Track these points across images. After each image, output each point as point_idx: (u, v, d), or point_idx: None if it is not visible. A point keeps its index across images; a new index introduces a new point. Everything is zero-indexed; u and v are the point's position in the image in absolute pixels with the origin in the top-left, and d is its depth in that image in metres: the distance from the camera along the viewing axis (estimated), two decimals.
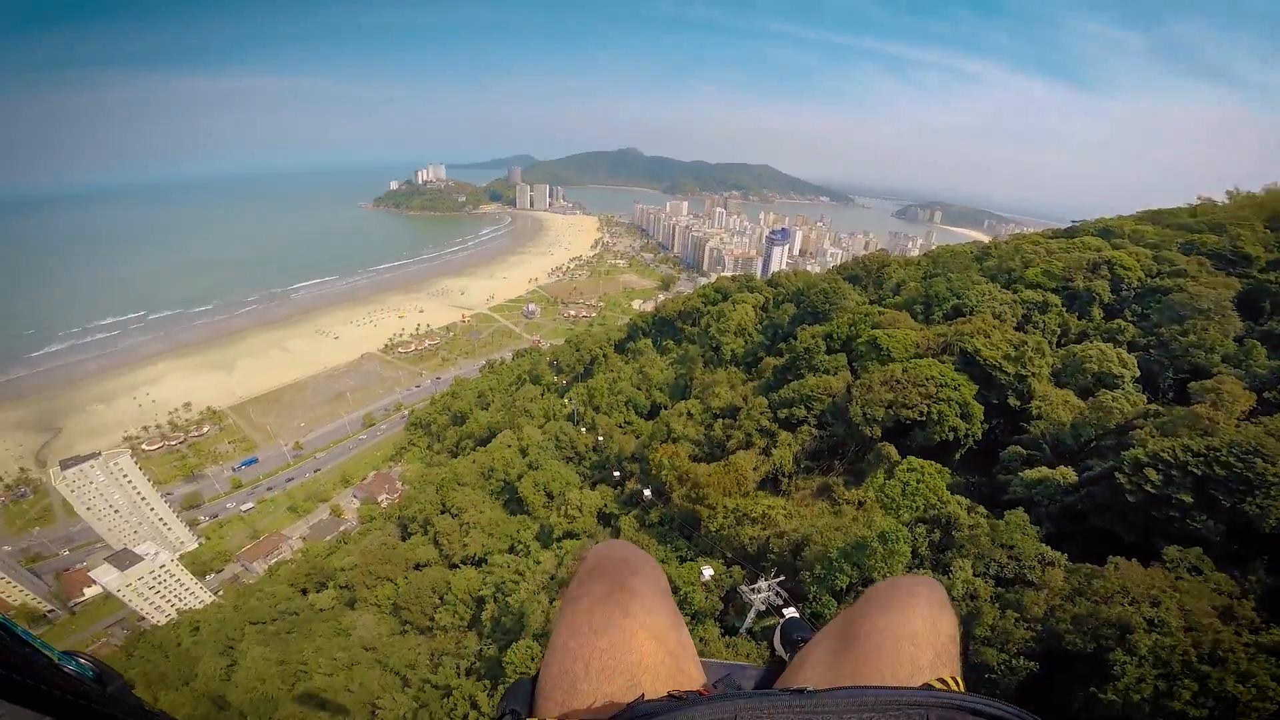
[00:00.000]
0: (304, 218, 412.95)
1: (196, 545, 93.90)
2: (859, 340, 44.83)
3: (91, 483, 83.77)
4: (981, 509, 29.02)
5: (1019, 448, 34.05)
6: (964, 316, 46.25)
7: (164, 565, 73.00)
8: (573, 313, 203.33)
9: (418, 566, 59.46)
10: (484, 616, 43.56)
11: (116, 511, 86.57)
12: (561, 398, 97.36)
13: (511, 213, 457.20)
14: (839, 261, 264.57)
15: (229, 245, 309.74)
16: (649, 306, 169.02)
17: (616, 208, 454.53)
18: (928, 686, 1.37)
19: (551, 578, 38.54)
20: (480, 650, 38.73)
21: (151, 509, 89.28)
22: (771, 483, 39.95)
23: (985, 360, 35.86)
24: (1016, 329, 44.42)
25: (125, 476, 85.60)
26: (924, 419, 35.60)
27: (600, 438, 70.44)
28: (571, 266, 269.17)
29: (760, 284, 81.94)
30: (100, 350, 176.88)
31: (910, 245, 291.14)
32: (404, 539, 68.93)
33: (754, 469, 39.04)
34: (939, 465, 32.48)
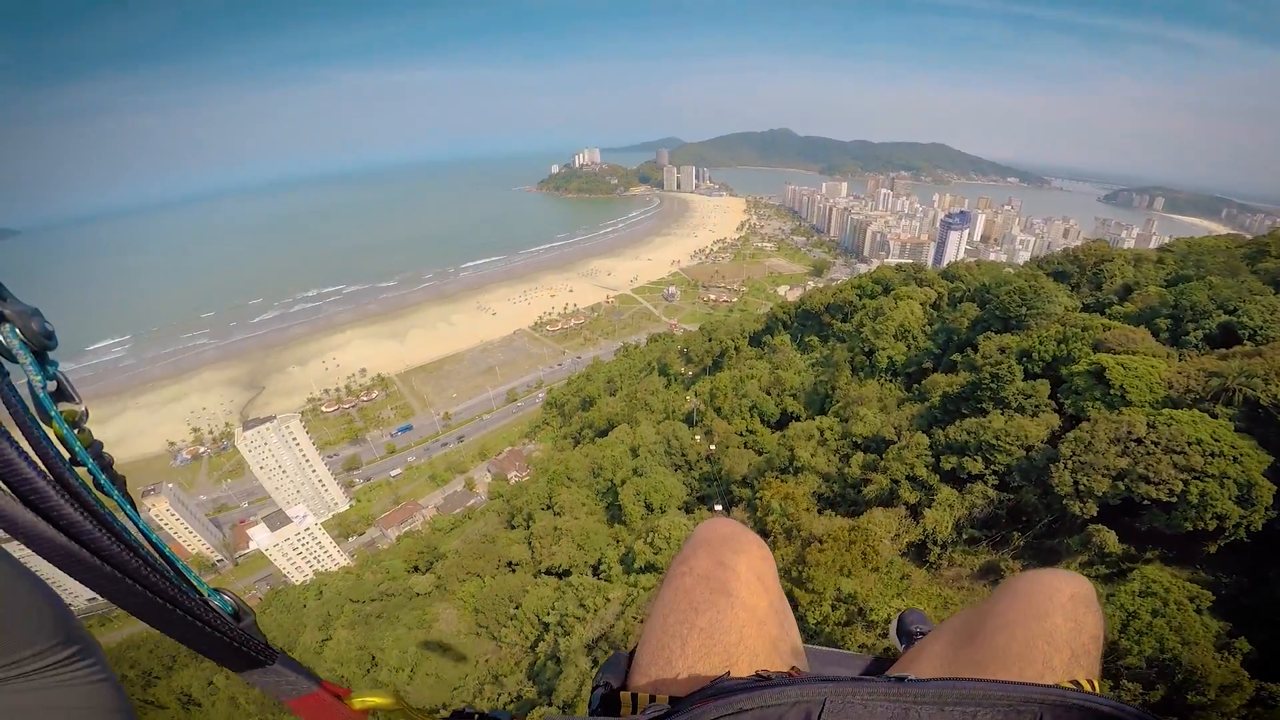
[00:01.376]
0: (473, 201, 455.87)
1: (348, 506, 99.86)
2: (1075, 367, 33.86)
3: (266, 444, 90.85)
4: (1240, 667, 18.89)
5: None
6: (1244, 344, 32.94)
7: (308, 529, 76.85)
8: (713, 297, 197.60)
9: (510, 565, 58.05)
10: (540, 648, 40.68)
11: (284, 471, 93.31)
12: (687, 390, 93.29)
13: (659, 194, 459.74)
14: (1030, 251, 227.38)
15: (408, 228, 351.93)
16: (796, 295, 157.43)
17: (766, 189, 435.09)
18: (1059, 689, 1.15)
19: (610, 628, 33.97)
20: (519, 694, 35.98)
21: (313, 471, 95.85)
22: (917, 549, 31.50)
23: None
24: None
25: (294, 439, 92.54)
26: (1174, 498, 25.14)
27: (713, 446, 64.35)
28: (715, 249, 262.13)
29: (932, 275, 68.94)
30: (303, 319, 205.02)
31: (1124, 236, 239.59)
32: (511, 528, 68.16)
33: (893, 536, 30.83)
34: (1193, 584, 22.37)
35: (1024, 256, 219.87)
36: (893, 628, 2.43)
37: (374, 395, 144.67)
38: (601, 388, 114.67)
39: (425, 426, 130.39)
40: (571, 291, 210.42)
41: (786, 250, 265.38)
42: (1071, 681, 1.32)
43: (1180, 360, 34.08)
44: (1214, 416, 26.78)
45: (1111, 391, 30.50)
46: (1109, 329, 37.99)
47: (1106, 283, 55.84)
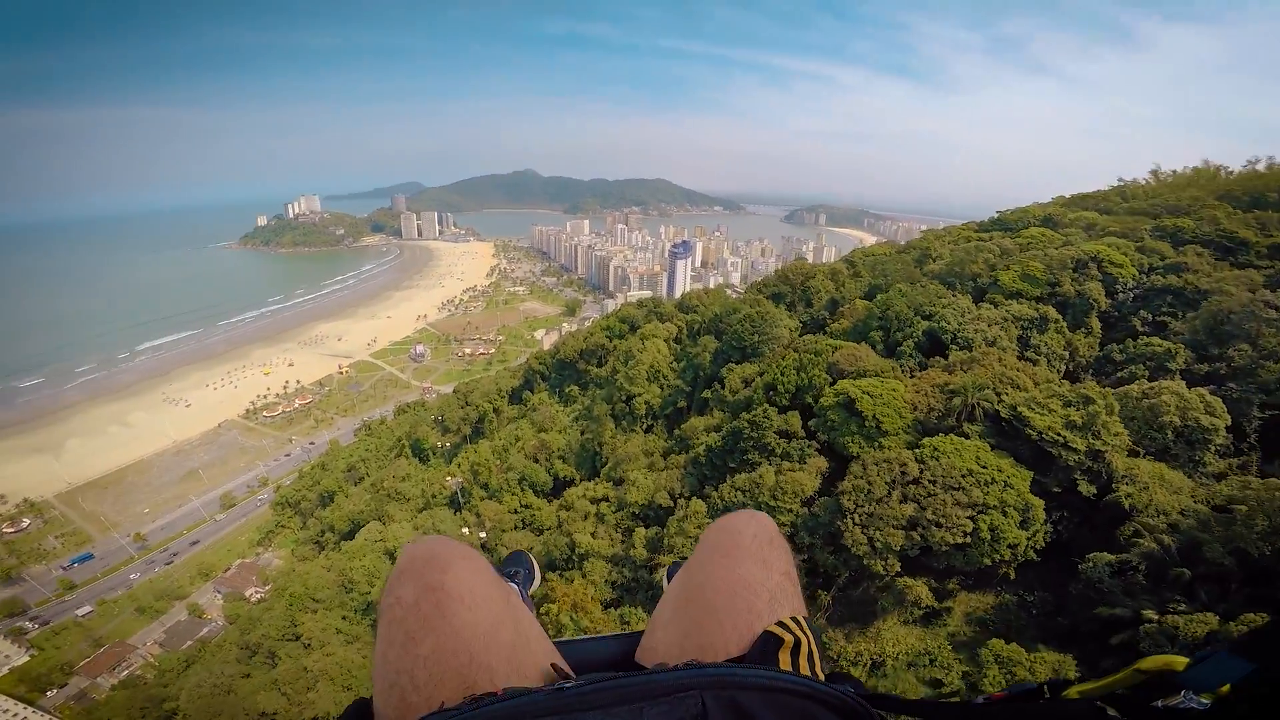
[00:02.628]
0: (156, 263, 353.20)
1: (27, 658, 78.56)
2: (823, 399, 30.94)
3: None
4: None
5: (1106, 555, 21.33)
6: (951, 348, 34.00)
7: None
8: (468, 351, 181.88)
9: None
10: None
11: None
12: (449, 464, 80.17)
13: (398, 244, 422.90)
14: (740, 272, 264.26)
15: (64, 301, 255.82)
16: (553, 338, 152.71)
17: (514, 231, 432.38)
18: (767, 633, 1.32)
19: None
20: None
21: None
22: None
23: (1041, 433, 22.87)
24: (1019, 359, 32.71)
25: None
26: (967, 538, 22.02)
27: (484, 534, 52.99)
28: (465, 298, 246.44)
29: (670, 308, 68.04)
30: None
31: (805, 249, 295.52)
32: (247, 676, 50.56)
33: None
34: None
35: (736, 277, 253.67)
36: (663, 582, 2.42)
37: (24, 525, 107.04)
38: (342, 478, 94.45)
39: (112, 553, 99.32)
40: (292, 365, 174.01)
41: (539, 292, 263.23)
42: (778, 624, 1.34)
43: (906, 374, 33.83)
44: (965, 437, 24.86)
45: (866, 424, 27.57)
46: (837, 349, 37.23)
47: (815, 299, 59.59)
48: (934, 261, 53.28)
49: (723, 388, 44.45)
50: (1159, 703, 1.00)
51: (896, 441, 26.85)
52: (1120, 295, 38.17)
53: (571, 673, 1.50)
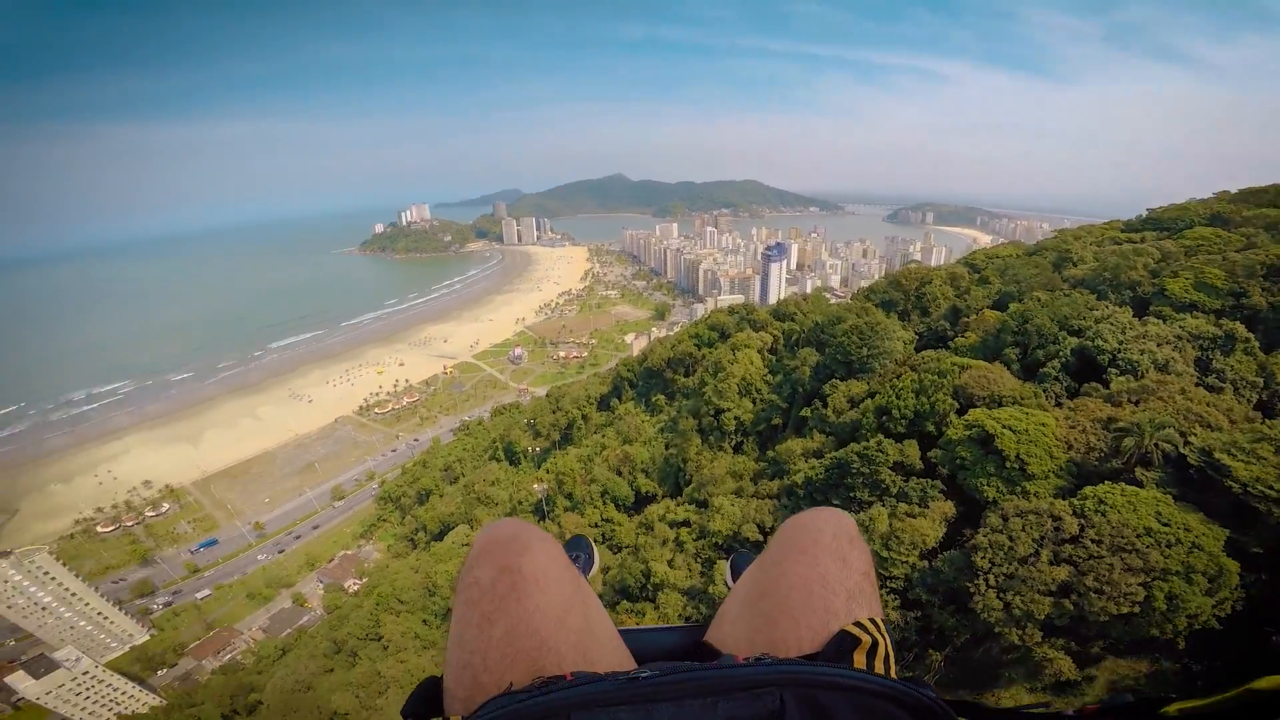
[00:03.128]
0: (286, 269, 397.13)
1: (148, 637, 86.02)
2: (950, 429, 27.00)
3: (7, 581, 78.76)
4: None
5: None
6: (1111, 372, 28.60)
7: (86, 672, 68.02)
8: (563, 354, 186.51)
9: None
10: None
11: (43, 609, 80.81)
12: (538, 468, 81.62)
13: (499, 249, 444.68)
14: (840, 274, 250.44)
15: (209, 304, 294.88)
16: (642, 343, 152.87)
17: (606, 236, 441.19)
18: (844, 632, 1.32)
19: None
20: None
21: (86, 604, 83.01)
22: None
23: (1246, 486, 18.10)
24: (1202, 388, 26.80)
25: (45, 573, 79.50)
26: (1136, 607, 17.84)
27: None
28: (561, 302, 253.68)
29: (765, 315, 64.38)
30: (66, 427, 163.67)
31: (911, 249, 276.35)
32: (330, 671, 54.08)
33: None
34: None
35: (835, 279, 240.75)
36: (726, 574, 2.41)
37: (164, 509, 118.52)
38: (439, 477, 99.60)
39: (234, 539, 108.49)
40: (403, 365, 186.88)
41: (630, 296, 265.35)
42: (855, 624, 1.33)
43: (1052, 401, 28.92)
44: (1139, 485, 20.34)
45: (1008, 464, 23.49)
46: (965, 369, 32.70)
47: (933, 307, 53.88)
48: (1076, 266, 46.25)
49: (825, 407, 40.83)
50: None
51: (1045, 487, 22.63)
52: None
53: (635, 662, 1.55)
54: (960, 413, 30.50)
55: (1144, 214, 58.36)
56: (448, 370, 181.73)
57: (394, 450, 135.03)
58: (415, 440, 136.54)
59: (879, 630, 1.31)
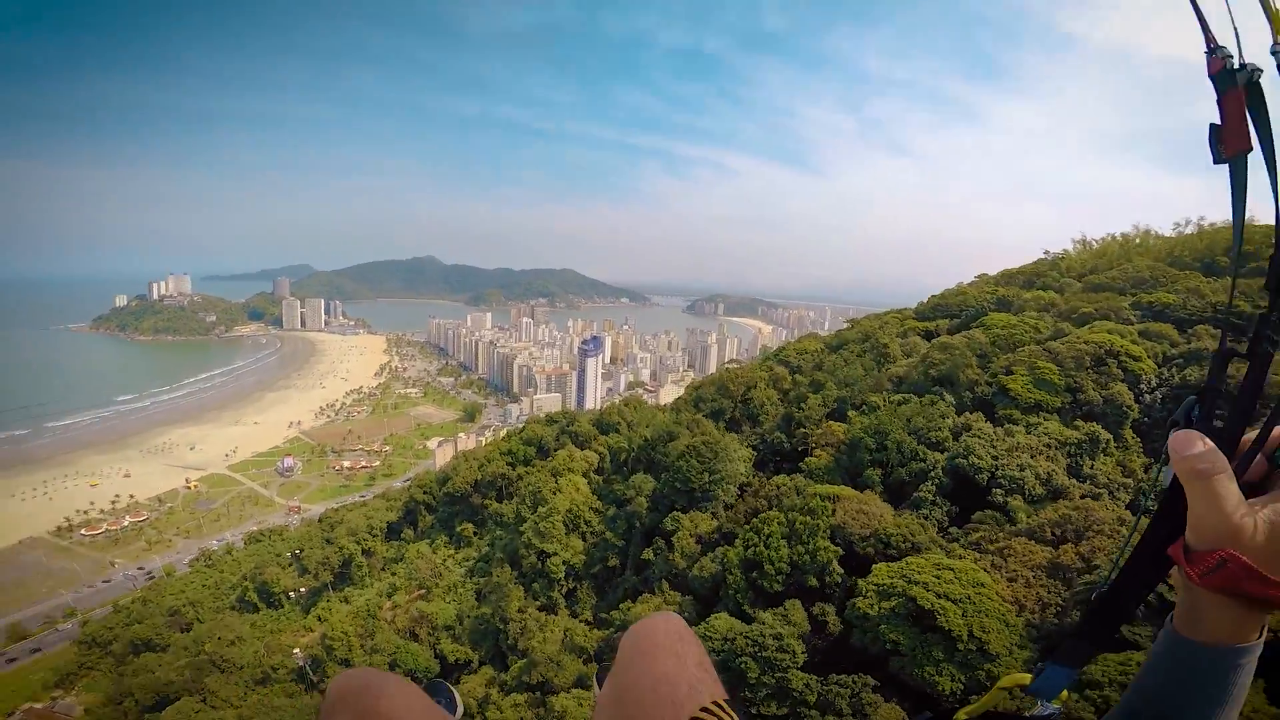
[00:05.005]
0: None
1: None
2: (863, 599, 19.78)
3: None
4: None
5: None
6: (996, 493, 24.78)
7: None
8: (347, 464, 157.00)
9: None
10: None
11: None
12: (306, 614, 62.64)
13: (278, 334, 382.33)
14: (649, 367, 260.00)
15: None
16: (446, 452, 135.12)
17: (410, 324, 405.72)
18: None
19: None
20: None
21: None
22: None
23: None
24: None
25: None
26: None
27: None
28: (349, 402, 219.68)
29: (587, 427, 55.81)
30: None
31: (707, 340, 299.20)
32: None
33: None
34: None
35: (646, 373, 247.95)
36: (595, 687, 2.35)
37: None
38: (161, 624, 71.39)
39: None
40: (128, 476, 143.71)
41: (434, 394, 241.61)
42: (703, 710, 1.44)
43: (937, 529, 23.91)
44: (1136, 647, 14.41)
45: (960, 646, 16.58)
46: (834, 500, 26.96)
47: (762, 415, 50.65)
48: (895, 363, 46.38)
49: (671, 549, 32.39)
50: (1027, 713, 1.29)
51: (1012, 665, 16.04)
52: (1147, 396, 31.74)
53: None
54: (846, 560, 24.07)
55: (931, 299, 63.40)
56: (191, 484, 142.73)
57: (106, 582, 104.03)
58: (140, 569, 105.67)
59: (726, 711, 1.44)
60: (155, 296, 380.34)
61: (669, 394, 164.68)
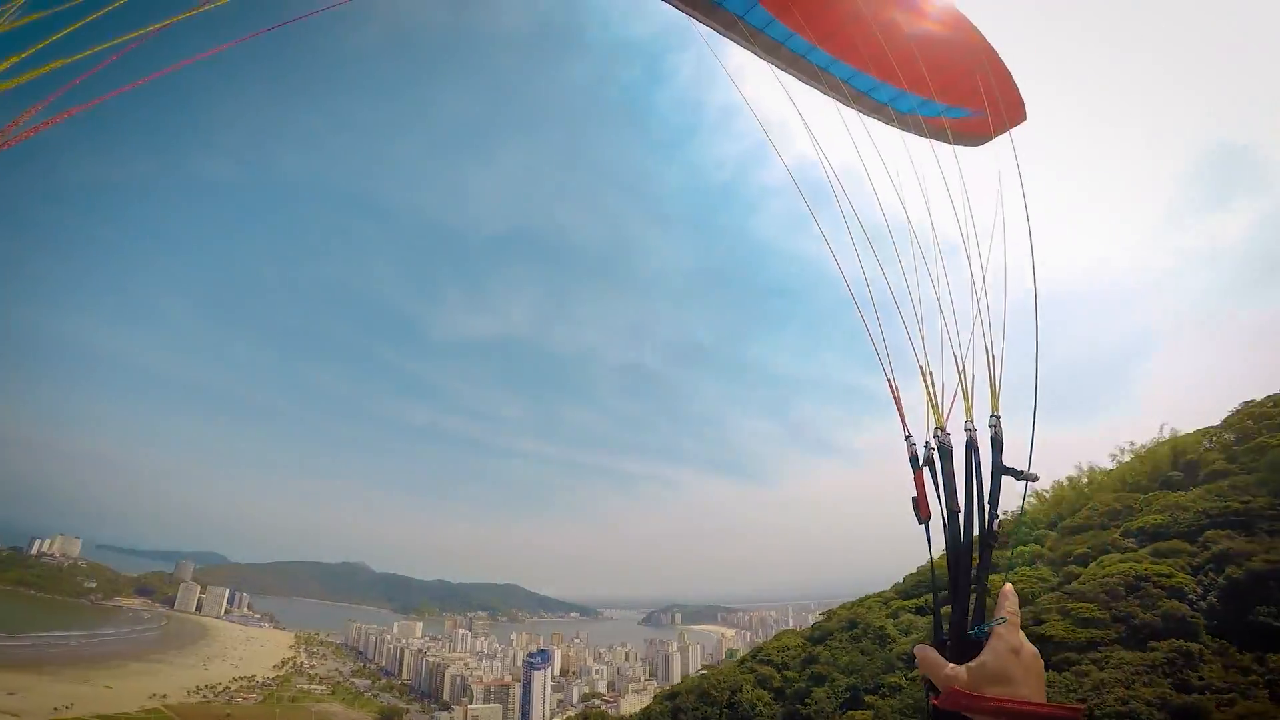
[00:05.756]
0: None
1: None
2: None
3: None
4: None
5: None
6: None
7: None
8: None
9: None
10: None
11: None
12: None
13: (165, 613, 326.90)
14: (605, 679, 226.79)
15: None
16: None
17: (327, 625, 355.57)
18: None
19: None
20: None
21: None
22: None
23: None
24: None
25: None
26: None
27: None
28: (233, 688, 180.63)
29: None
30: None
31: (669, 649, 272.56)
32: None
33: None
34: None
35: (603, 684, 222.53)
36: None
37: None
38: None
39: None
40: None
41: (345, 693, 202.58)
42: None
43: None
44: None
45: None
46: None
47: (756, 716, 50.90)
48: (898, 642, 48.17)
49: None
50: None
51: None
52: (1203, 603, 34.99)
53: None
54: None
55: (904, 579, 65.64)
56: None
57: None
58: None
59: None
60: (33, 552, 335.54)
61: (631, 704, 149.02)
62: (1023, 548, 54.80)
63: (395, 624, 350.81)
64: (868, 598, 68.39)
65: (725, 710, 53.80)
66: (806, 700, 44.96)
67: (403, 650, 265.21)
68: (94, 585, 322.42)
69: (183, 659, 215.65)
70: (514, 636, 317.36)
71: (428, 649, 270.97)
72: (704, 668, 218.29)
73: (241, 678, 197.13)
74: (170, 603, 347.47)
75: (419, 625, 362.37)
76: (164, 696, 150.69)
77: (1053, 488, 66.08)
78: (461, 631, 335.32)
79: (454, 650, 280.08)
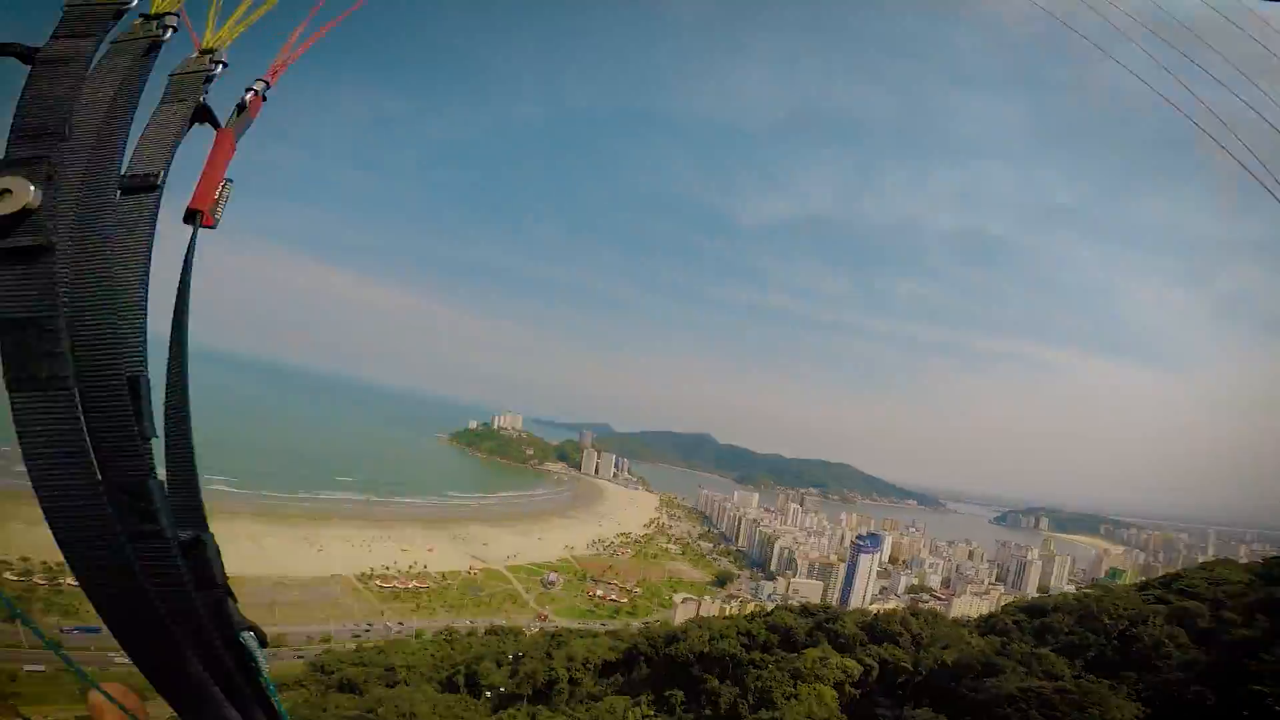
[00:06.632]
0: (387, 435, 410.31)
1: None
2: None
3: None
4: None
5: None
6: None
7: None
8: (600, 593, 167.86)
9: None
10: None
11: None
12: (492, 715, 60.73)
13: (575, 475, 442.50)
14: (940, 574, 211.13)
15: (315, 440, 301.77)
16: (689, 609, 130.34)
17: (682, 489, 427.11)
18: None
19: None
20: None
21: None
22: None
23: None
24: None
25: None
26: None
27: None
28: (617, 542, 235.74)
29: (852, 628, 45.16)
30: None
31: (1027, 555, 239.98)
32: None
33: None
34: None
35: (936, 580, 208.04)
36: None
37: None
38: (375, 675, 76.25)
39: None
40: (430, 550, 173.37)
41: (692, 555, 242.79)
42: None
43: None
44: None
45: None
46: None
47: (1159, 661, 34.20)
48: None
49: None
50: None
51: None
52: None
53: None
54: None
55: None
56: (472, 570, 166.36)
57: (369, 625, 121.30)
58: (400, 624, 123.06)
59: None
60: (496, 426, 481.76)
61: (966, 607, 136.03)
62: None
63: (735, 493, 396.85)
64: None
65: (1114, 642, 43.71)
66: (1258, 655, 31.12)
67: (740, 519, 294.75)
68: (531, 452, 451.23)
69: (585, 514, 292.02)
70: (844, 517, 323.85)
71: (761, 519, 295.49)
72: (1075, 584, 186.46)
73: (622, 533, 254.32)
74: (578, 466, 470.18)
75: (755, 497, 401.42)
76: (572, 548, 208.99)
77: None
78: (793, 506, 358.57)
79: (785, 523, 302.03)
